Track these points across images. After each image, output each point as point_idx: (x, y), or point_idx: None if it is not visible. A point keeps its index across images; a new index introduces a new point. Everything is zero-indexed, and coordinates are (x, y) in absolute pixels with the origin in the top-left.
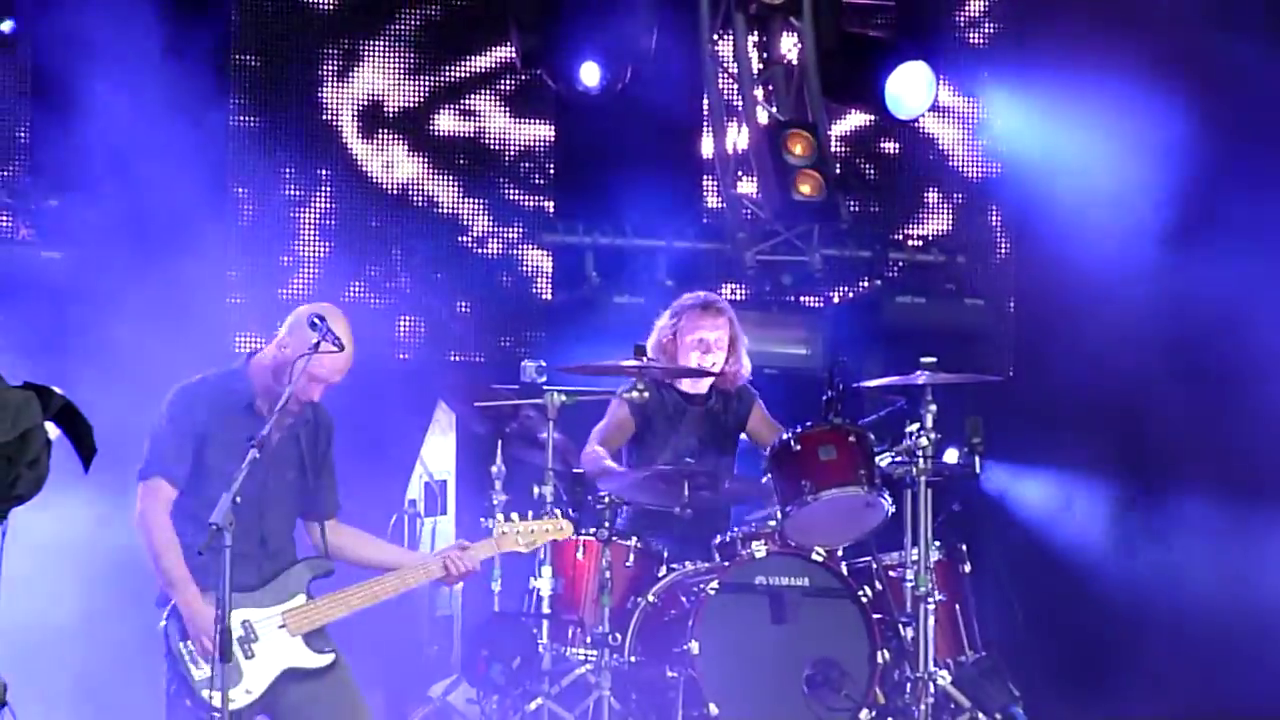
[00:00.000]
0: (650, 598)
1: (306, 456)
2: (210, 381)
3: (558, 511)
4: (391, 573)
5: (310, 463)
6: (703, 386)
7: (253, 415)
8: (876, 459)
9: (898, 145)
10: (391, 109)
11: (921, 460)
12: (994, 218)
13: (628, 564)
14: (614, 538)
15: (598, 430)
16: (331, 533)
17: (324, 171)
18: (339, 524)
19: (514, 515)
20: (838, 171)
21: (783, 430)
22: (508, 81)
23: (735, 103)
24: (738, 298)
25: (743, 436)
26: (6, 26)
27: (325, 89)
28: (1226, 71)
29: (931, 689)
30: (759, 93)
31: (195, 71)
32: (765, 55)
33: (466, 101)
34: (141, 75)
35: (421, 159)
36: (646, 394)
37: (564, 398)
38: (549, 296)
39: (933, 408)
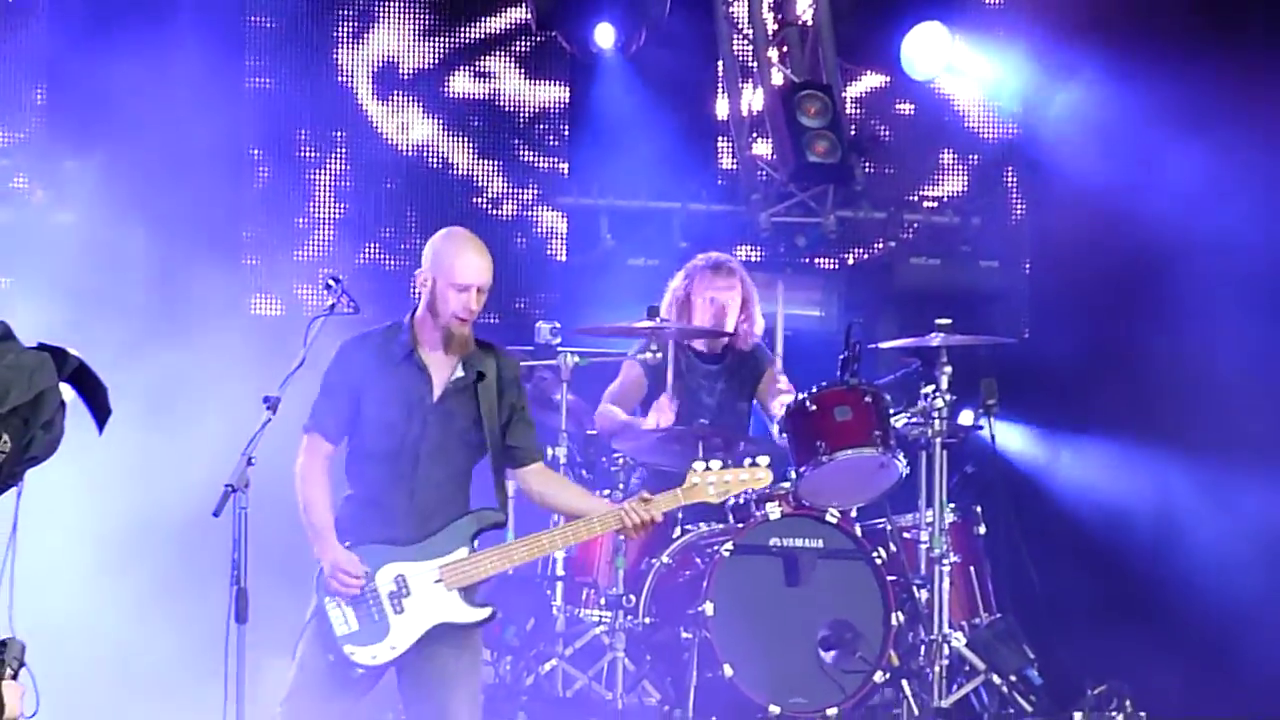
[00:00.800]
0: (664, 559)
1: (486, 408)
2: (373, 335)
3: (761, 459)
4: (563, 525)
5: (493, 413)
6: (717, 346)
7: (413, 365)
8: (891, 420)
9: (913, 106)
10: (406, 71)
11: (936, 421)
12: (1009, 179)
13: None
14: (628, 499)
15: (610, 391)
16: (534, 478)
17: (339, 133)
18: (544, 469)
19: (713, 462)
20: (852, 133)
21: (796, 392)
22: (522, 43)
23: (750, 64)
24: (753, 259)
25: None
26: None
27: (340, 50)
28: (1250, 25)
29: (946, 651)
30: (773, 54)
31: (210, 33)
32: (780, 16)
33: (481, 63)
34: (157, 37)
35: (436, 121)
36: (660, 355)
37: (578, 359)
38: (564, 258)
39: (948, 369)
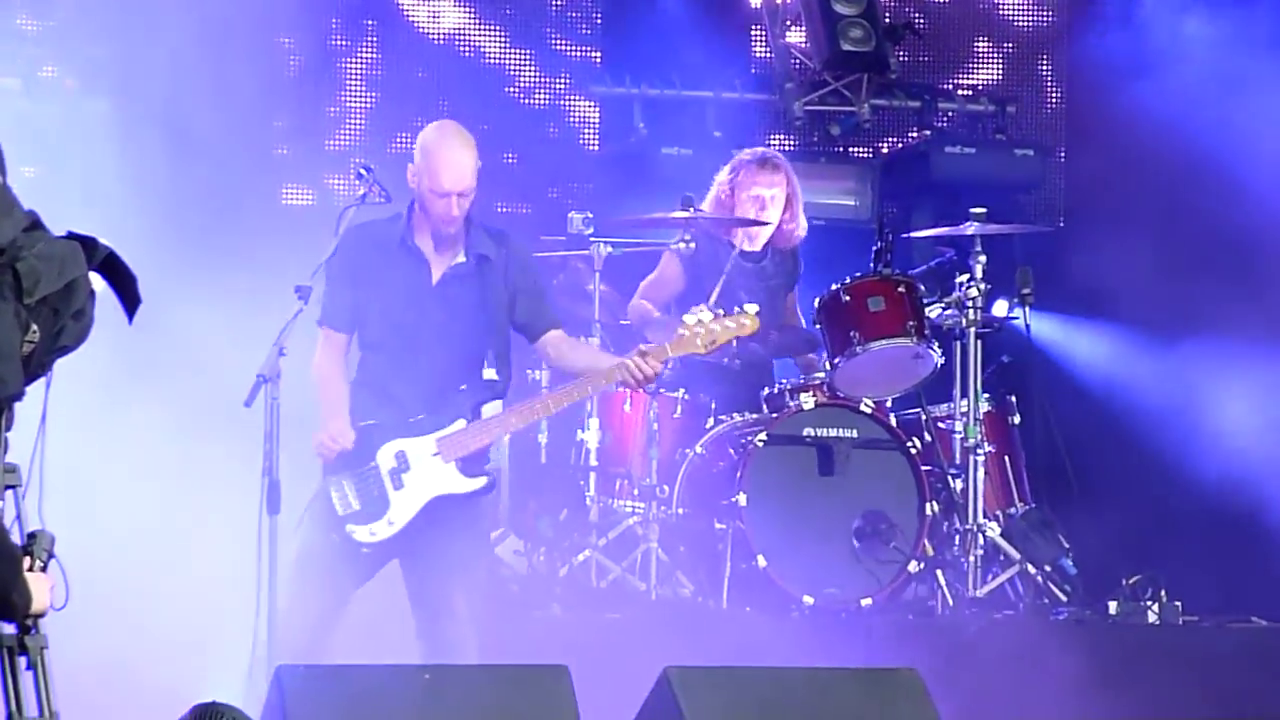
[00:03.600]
0: (698, 449)
1: (493, 286)
2: (375, 224)
3: (747, 306)
4: (562, 386)
5: (501, 290)
6: (758, 243)
7: (409, 253)
8: (925, 310)
9: None
10: None
11: (971, 311)
12: (1045, 67)
13: (675, 416)
14: (661, 390)
15: (646, 284)
16: (551, 347)
17: (370, 21)
18: (562, 336)
19: (701, 313)
20: (886, 20)
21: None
22: None
23: None
24: (786, 148)
25: None
26: None
27: None
28: None
29: (980, 541)
30: None
31: None
32: None
33: None
34: None
35: (468, 9)
36: (693, 245)
37: (610, 249)
38: (596, 148)
39: (982, 259)
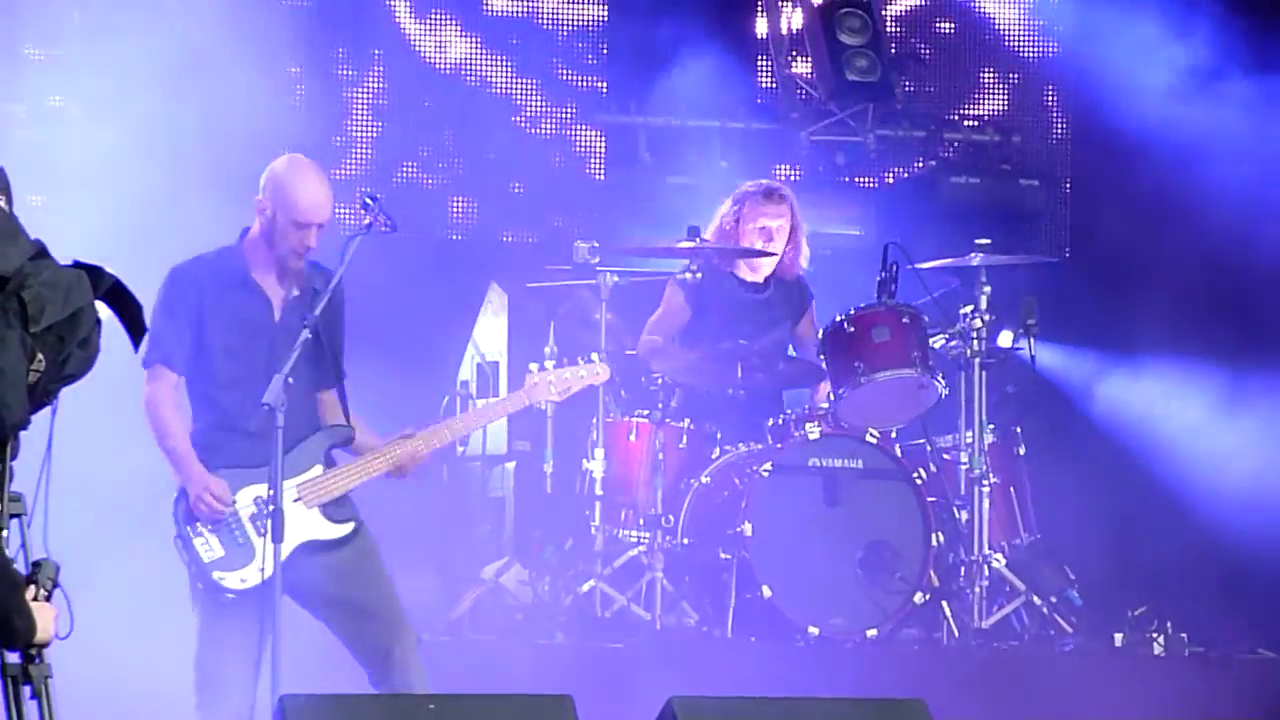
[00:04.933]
0: (703, 479)
1: (325, 324)
2: (204, 260)
3: (594, 355)
4: (405, 437)
5: (332, 329)
6: (761, 274)
7: (249, 289)
8: (930, 340)
9: (953, 24)
10: None
11: (975, 342)
12: (1050, 97)
13: (681, 445)
14: (667, 419)
15: (653, 321)
16: (327, 403)
17: (376, 51)
18: (332, 395)
19: (547, 364)
20: (892, 51)
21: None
22: None
23: None
24: (792, 178)
25: None
26: None
27: None
28: None
29: (986, 571)
30: None
31: None
32: None
33: None
34: None
35: (474, 38)
36: (699, 275)
37: (616, 278)
38: (601, 177)
39: (987, 289)
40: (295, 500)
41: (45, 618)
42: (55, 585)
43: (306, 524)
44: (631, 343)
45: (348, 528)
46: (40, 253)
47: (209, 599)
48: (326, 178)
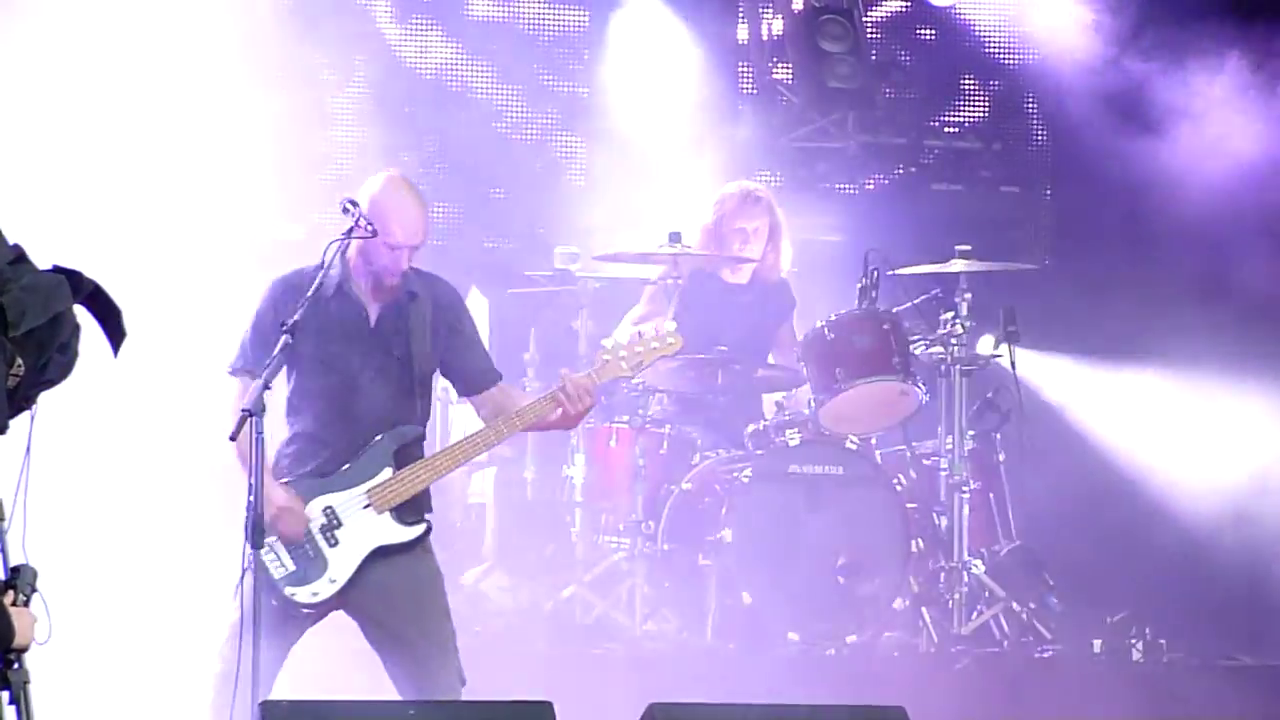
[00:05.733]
0: (684, 485)
1: (420, 333)
2: (303, 272)
3: (668, 324)
4: (483, 428)
5: (424, 332)
6: (743, 277)
7: (347, 298)
8: (911, 347)
9: (934, 32)
10: None
11: (956, 348)
12: (1030, 105)
13: (661, 451)
14: (647, 425)
15: (631, 317)
16: (493, 401)
17: (359, 57)
18: (506, 388)
19: (620, 333)
20: (873, 58)
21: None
22: None
23: None
24: (773, 184)
25: None
26: None
27: None
28: None
29: (966, 578)
30: None
31: None
32: None
33: None
34: None
35: (456, 44)
36: (682, 281)
37: (597, 284)
38: (583, 183)
39: (967, 295)
40: (365, 507)
41: (24, 623)
42: (34, 590)
43: (378, 529)
44: None
45: (419, 529)
46: (19, 257)
47: (278, 612)
48: (423, 199)
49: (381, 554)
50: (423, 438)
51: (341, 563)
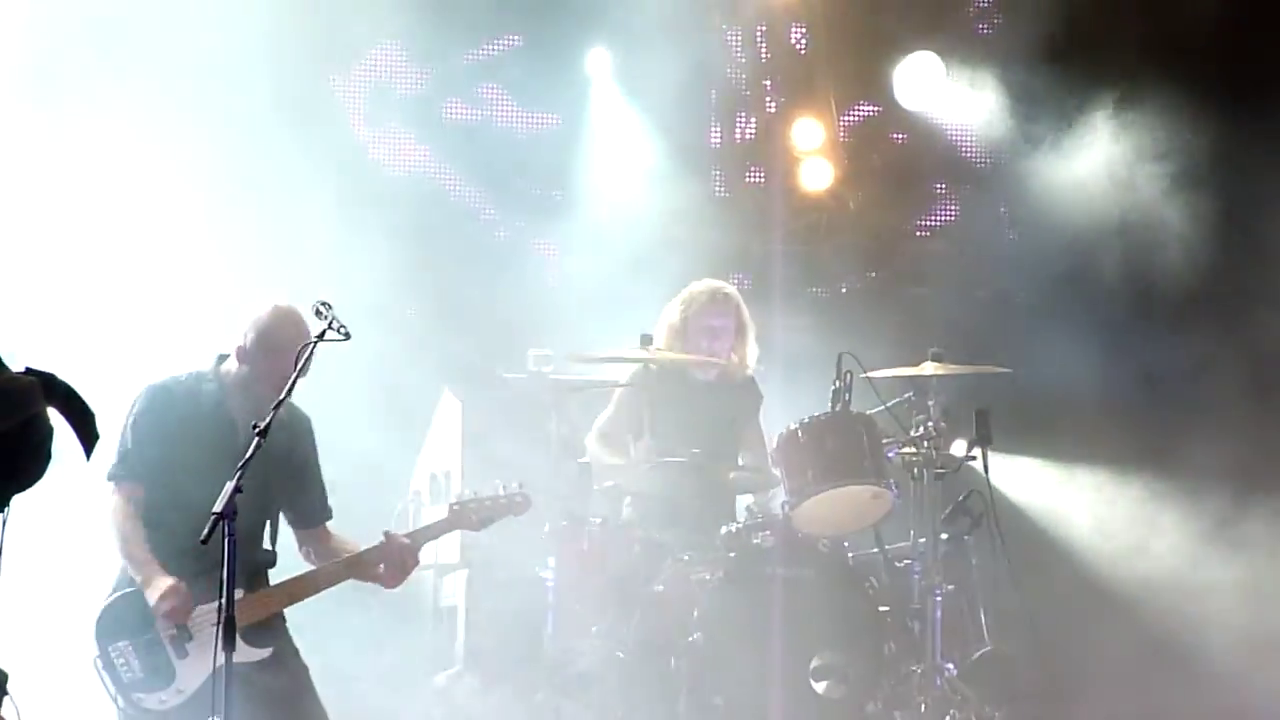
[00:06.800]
0: (656, 587)
1: (281, 459)
2: (181, 382)
3: (516, 484)
4: (333, 563)
5: (287, 466)
6: (711, 374)
7: (223, 415)
8: (883, 450)
9: (906, 135)
10: (399, 97)
11: (928, 451)
12: (1002, 208)
13: (633, 553)
14: (619, 527)
15: (602, 420)
16: (322, 539)
17: (332, 159)
18: (329, 530)
19: (472, 491)
20: (846, 161)
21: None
22: (516, 69)
23: (744, 92)
24: (745, 286)
25: None
26: None
27: (334, 76)
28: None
29: (938, 681)
30: (767, 83)
31: (202, 58)
32: (773, 45)
33: (475, 90)
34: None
35: (429, 147)
36: (652, 383)
37: (569, 385)
38: (555, 284)
39: (940, 398)
40: (214, 624)
41: None
42: (4, 693)
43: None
44: (582, 451)
45: (265, 651)
46: None
47: (125, 715)
48: (304, 324)
49: (232, 670)
50: (272, 564)
51: (189, 674)
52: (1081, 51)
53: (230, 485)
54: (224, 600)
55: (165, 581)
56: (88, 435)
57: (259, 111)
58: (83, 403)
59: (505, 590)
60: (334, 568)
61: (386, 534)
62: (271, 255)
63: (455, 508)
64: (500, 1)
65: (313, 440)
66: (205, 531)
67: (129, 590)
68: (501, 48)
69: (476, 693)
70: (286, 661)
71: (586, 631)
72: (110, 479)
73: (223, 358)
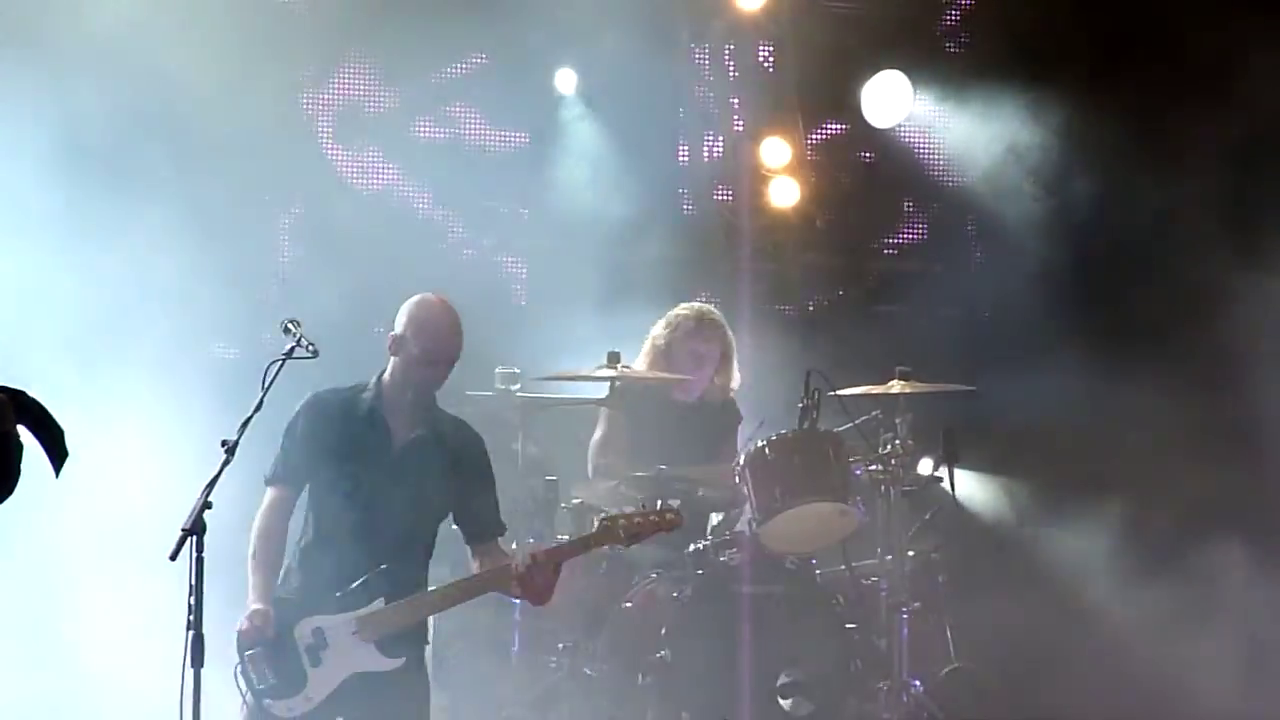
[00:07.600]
0: (623, 604)
1: (439, 473)
2: (341, 390)
3: (671, 502)
4: (477, 575)
5: (448, 474)
6: (693, 395)
7: (377, 421)
8: (851, 468)
9: (873, 154)
10: (368, 115)
11: (896, 469)
12: (969, 227)
13: (601, 570)
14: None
15: (596, 445)
16: (493, 556)
17: (300, 176)
18: (499, 546)
19: (624, 510)
20: (813, 180)
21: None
22: (484, 88)
23: (712, 111)
24: (712, 304)
25: None
26: None
27: (303, 94)
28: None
29: (905, 698)
30: (735, 101)
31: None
32: (741, 64)
33: (443, 108)
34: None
35: (396, 165)
36: (622, 400)
37: (537, 404)
38: (524, 303)
39: (907, 416)
40: (353, 633)
41: None
42: None
43: (360, 656)
44: (550, 469)
45: (398, 661)
46: None
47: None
48: (458, 320)
49: (363, 679)
50: (424, 576)
51: (320, 683)
52: (1048, 69)
53: (198, 502)
54: (192, 616)
55: (254, 605)
56: (57, 453)
57: (228, 130)
58: (53, 420)
59: (472, 607)
60: (472, 580)
61: (531, 554)
62: (240, 272)
63: (605, 523)
64: (470, 21)
65: (481, 456)
66: (173, 548)
67: (281, 595)
68: (471, 66)
69: (444, 709)
70: (414, 680)
71: (554, 648)
72: (268, 482)
73: (384, 368)
